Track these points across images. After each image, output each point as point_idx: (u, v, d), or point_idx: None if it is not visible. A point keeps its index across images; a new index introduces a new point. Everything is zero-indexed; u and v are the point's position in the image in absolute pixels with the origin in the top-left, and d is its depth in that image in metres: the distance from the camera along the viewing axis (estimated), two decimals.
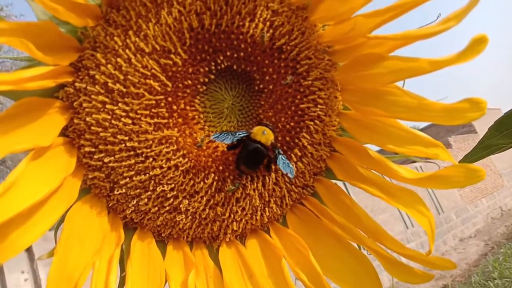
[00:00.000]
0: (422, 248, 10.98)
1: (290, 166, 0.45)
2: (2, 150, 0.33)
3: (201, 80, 0.42)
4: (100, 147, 0.39)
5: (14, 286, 5.22)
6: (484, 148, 0.62)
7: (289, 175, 0.44)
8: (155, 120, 0.40)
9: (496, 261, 9.03)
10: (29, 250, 5.64)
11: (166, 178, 0.41)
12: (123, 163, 0.40)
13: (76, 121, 0.39)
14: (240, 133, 0.44)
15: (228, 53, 0.42)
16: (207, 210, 0.44)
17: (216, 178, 0.44)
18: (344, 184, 0.58)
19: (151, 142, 0.40)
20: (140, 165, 0.40)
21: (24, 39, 0.31)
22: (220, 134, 0.42)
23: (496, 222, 13.67)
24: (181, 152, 0.41)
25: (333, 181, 0.50)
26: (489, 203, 14.60)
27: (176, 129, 0.41)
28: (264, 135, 0.43)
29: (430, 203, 12.23)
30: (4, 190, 0.33)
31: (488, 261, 9.39)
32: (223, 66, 0.42)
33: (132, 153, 0.40)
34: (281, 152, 0.46)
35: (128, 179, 0.40)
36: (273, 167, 0.46)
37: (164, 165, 0.41)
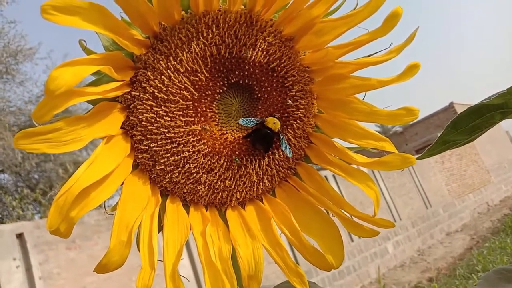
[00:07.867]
0: (409, 240, 11.22)
1: (289, 148, 0.62)
2: (90, 136, 0.49)
3: (217, 90, 0.58)
4: (147, 136, 0.56)
5: (5, 272, 5.29)
6: (443, 143, 0.71)
7: (287, 154, 0.62)
8: (186, 118, 0.56)
9: (481, 254, 9.11)
10: (21, 238, 5.72)
11: (192, 159, 0.57)
12: (163, 147, 0.56)
13: (131, 118, 0.55)
14: (258, 119, 0.60)
15: (236, 72, 0.58)
16: (219, 183, 0.60)
17: (226, 160, 0.60)
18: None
19: (182, 133, 0.56)
20: (174, 149, 0.56)
21: (107, 65, 0.48)
22: (246, 119, 0.59)
23: (482, 217, 13.80)
24: (202, 141, 0.58)
25: (310, 164, 0.66)
26: (476, 199, 14.77)
27: (199, 125, 0.57)
28: (274, 124, 0.60)
29: (419, 198, 12.45)
30: (89, 164, 0.49)
31: (473, 255, 9.45)
32: (232, 81, 0.59)
33: (169, 141, 0.56)
34: (284, 137, 0.62)
35: (165, 159, 0.56)
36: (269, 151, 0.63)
37: (190, 150, 0.57)
